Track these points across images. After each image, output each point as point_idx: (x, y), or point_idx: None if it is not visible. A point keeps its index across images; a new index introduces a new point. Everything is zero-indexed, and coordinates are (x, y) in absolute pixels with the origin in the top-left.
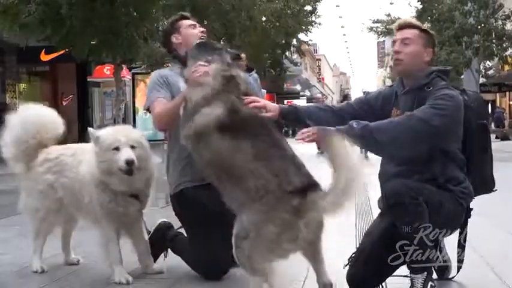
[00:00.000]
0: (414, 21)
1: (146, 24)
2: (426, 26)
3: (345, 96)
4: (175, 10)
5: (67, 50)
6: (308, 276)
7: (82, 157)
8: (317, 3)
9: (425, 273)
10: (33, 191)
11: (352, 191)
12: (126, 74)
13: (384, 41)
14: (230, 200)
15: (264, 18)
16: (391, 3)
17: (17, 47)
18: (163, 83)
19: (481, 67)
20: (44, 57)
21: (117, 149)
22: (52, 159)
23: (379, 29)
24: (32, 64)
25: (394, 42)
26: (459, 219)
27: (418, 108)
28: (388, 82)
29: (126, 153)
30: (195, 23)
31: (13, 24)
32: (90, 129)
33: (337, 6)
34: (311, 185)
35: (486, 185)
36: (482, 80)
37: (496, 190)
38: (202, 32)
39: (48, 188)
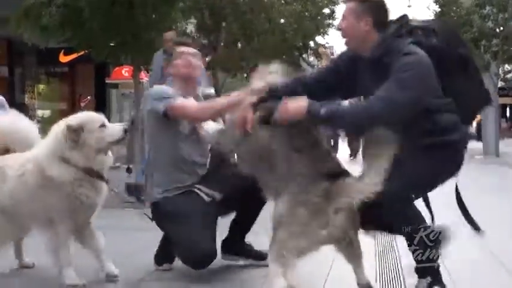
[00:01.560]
0: None
1: (165, 26)
2: None
3: None
4: (193, 12)
5: (86, 51)
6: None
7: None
8: (335, 6)
9: (429, 277)
10: None
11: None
12: (144, 76)
13: None
14: (269, 189)
15: (282, 21)
16: (408, 6)
17: (36, 48)
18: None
19: (500, 71)
20: (63, 58)
21: (103, 125)
22: None
23: None
24: (50, 65)
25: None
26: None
27: (381, 82)
28: None
29: (118, 126)
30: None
31: (34, 26)
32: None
33: None
34: (343, 172)
35: (480, 101)
36: (500, 83)
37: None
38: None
39: None
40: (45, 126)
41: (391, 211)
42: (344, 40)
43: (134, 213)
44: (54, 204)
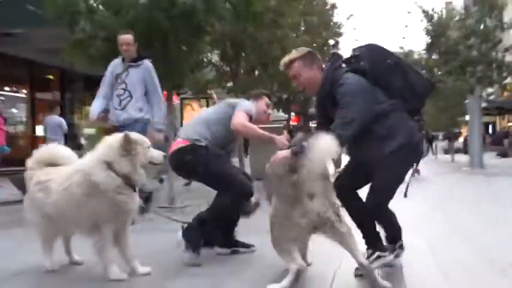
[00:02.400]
0: (289, 56)
1: (194, 56)
2: (434, 57)
3: None
4: (218, 44)
5: None
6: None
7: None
8: (339, 38)
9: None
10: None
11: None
12: (175, 99)
13: None
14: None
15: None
16: (403, 38)
17: (84, 75)
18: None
19: (483, 93)
20: None
21: (149, 147)
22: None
23: None
24: (96, 90)
25: (291, 77)
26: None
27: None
28: None
29: (160, 152)
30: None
31: (83, 56)
32: (127, 133)
33: (356, 40)
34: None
35: (423, 88)
36: (484, 104)
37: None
38: None
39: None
40: (91, 142)
41: (374, 217)
42: (306, 92)
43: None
44: (99, 210)
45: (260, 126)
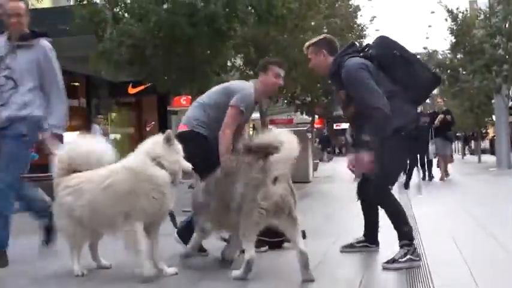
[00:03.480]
0: (310, 41)
1: (218, 60)
2: (459, 56)
3: None
4: (242, 48)
5: (150, 84)
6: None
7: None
8: (363, 40)
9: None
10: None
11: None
12: None
13: None
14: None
15: None
16: (427, 38)
17: (109, 82)
18: (251, 103)
19: (510, 92)
20: (131, 90)
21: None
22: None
23: None
24: (121, 96)
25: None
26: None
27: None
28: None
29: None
30: (282, 74)
31: (108, 64)
32: (169, 130)
33: None
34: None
35: (427, 81)
36: (511, 103)
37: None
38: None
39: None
40: (117, 147)
41: (376, 199)
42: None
43: None
44: (140, 207)
45: (285, 129)
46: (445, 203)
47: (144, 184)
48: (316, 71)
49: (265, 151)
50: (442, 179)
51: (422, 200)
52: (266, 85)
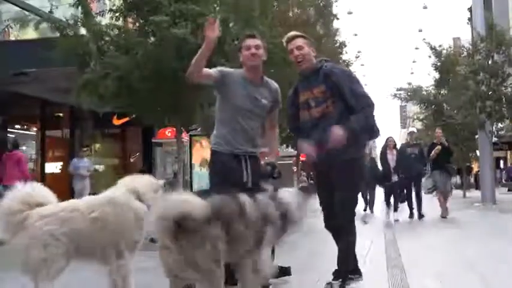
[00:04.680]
0: (298, 32)
1: (203, 94)
2: (443, 92)
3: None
4: None
5: (135, 115)
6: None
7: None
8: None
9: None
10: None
11: None
12: (184, 136)
13: (405, 105)
14: None
15: None
16: (411, 73)
17: (93, 113)
18: (222, 73)
19: (494, 128)
20: (116, 121)
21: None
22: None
23: (401, 95)
24: (105, 127)
25: (291, 51)
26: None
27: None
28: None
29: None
30: (252, 44)
31: (92, 96)
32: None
33: (363, 75)
34: None
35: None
36: (494, 139)
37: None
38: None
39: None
40: (100, 178)
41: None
42: (300, 63)
43: None
44: (129, 236)
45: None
46: (431, 240)
47: (128, 217)
48: (304, 61)
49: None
50: (443, 216)
51: (409, 235)
52: (244, 62)
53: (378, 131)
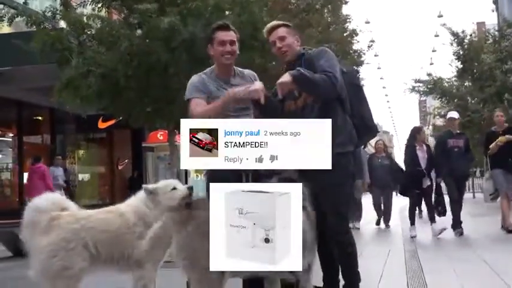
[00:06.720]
0: (280, 22)
1: None
2: (467, 84)
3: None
4: None
5: (122, 117)
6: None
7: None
8: (359, 66)
9: None
10: None
11: None
12: (178, 139)
13: (425, 99)
14: None
15: None
16: (431, 64)
17: (76, 115)
18: (203, 87)
19: None
20: (101, 124)
21: (174, 188)
22: None
23: (420, 89)
24: (89, 131)
25: (273, 43)
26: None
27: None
28: (431, 140)
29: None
30: (227, 39)
31: (75, 97)
32: (144, 185)
33: (378, 68)
34: None
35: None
36: None
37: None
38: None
39: None
40: (85, 189)
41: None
42: (284, 54)
43: None
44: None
45: None
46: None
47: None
48: (287, 52)
49: None
50: (509, 230)
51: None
52: (216, 58)
53: (376, 127)
